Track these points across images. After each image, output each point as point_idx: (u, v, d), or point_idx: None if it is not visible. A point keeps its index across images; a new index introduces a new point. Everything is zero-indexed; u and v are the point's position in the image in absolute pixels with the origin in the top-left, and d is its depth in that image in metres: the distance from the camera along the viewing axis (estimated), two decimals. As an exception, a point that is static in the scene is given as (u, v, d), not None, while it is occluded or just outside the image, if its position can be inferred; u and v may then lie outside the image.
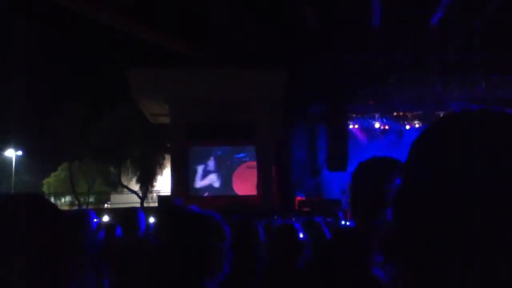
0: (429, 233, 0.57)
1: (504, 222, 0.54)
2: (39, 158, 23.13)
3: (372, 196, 1.43)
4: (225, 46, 15.42)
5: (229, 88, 15.01)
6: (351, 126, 17.69)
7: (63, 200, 25.36)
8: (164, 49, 16.24)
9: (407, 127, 17.62)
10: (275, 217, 7.70)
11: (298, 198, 16.01)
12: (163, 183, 22.01)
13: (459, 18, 14.71)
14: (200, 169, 16.69)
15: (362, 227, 1.54)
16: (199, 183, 16.64)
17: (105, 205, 23.98)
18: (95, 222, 4.38)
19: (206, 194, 16.46)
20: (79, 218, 3.42)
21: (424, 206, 0.58)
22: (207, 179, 16.71)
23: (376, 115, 17.64)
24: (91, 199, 24.82)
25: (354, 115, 17.58)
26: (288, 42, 15.57)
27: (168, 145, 19.25)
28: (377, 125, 17.81)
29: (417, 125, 17.27)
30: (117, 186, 24.15)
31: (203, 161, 16.71)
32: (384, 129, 17.98)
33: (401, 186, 0.63)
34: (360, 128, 18.13)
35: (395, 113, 17.57)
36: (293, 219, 8.47)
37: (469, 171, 0.57)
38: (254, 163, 16.03)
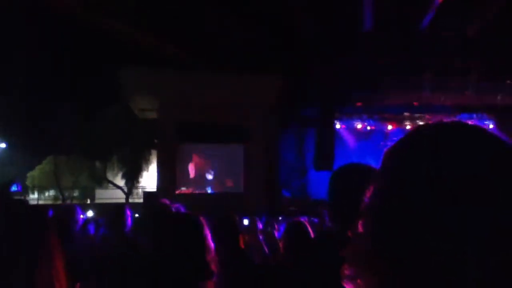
0: (400, 244, 0.58)
1: (472, 227, 0.55)
2: (24, 151, 22.84)
3: (347, 205, 1.46)
4: (218, 50, 15.47)
5: (222, 92, 15.04)
6: (338, 126, 17.82)
7: (46, 194, 25.07)
8: (157, 52, 16.28)
9: (392, 128, 17.79)
10: (262, 216, 7.73)
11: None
12: (149, 179, 21.90)
13: (448, 24, 14.90)
14: (187, 166, 16.66)
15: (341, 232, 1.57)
16: (186, 181, 16.61)
17: (88, 201, 23.79)
18: (82, 218, 4.37)
19: (192, 191, 16.43)
20: (66, 213, 3.42)
21: (393, 218, 0.59)
22: (194, 177, 16.69)
23: (364, 116, 17.79)
24: (76, 194, 24.57)
25: (341, 116, 17.71)
26: (281, 46, 15.66)
27: (156, 141, 19.16)
28: (363, 126, 17.96)
29: (408, 127, 17.40)
30: (103, 181, 23.96)
31: (191, 158, 16.69)
32: (371, 130, 18.14)
33: (370, 196, 0.64)
34: (347, 128, 18.27)
35: (382, 115, 17.74)
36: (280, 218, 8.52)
37: (437, 182, 0.58)
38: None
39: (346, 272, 0.63)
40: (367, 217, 0.63)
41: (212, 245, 1.65)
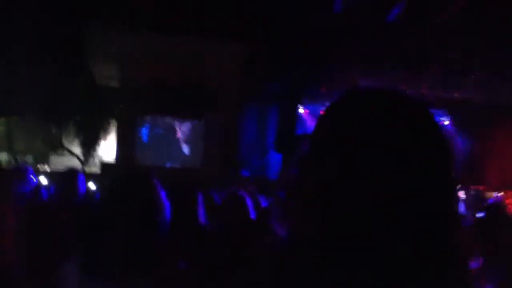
0: (328, 191, 0.72)
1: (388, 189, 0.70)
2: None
3: None
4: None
5: (184, 57, 14.43)
6: (301, 110, 17.92)
7: (-3, 157, 24.03)
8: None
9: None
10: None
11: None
12: (107, 149, 21.38)
13: (417, 14, 14.78)
14: (147, 137, 16.41)
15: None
16: (146, 152, 16.38)
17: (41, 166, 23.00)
18: (34, 182, 4.25)
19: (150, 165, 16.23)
20: (16, 172, 3.32)
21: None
22: (154, 149, 16.48)
23: (326, 103, 17.85)
24: (29, 159, 23.67)
25: (305, 100, 17.75)
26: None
27: (116, 110, 18.68)
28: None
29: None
30: (58, 147, 23.19)
31: (152, 129, 16.43)
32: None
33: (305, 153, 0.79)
34: (309, 113, 18.43)
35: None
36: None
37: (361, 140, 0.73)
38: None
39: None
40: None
41: (166, 204, 1.67)
